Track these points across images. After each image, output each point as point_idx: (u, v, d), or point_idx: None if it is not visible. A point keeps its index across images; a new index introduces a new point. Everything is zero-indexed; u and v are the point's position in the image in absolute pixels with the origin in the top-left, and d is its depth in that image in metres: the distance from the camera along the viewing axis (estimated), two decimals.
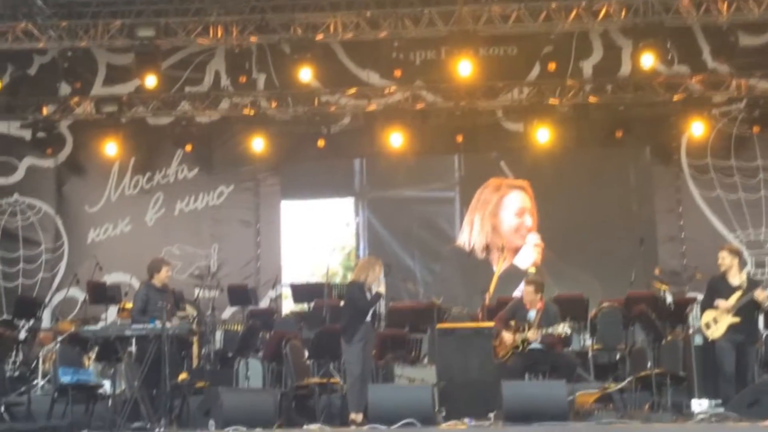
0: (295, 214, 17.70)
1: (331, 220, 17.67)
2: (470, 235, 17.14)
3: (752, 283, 10.86)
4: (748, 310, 10.71)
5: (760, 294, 10.60)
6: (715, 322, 10.68)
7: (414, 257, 17.23)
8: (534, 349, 11.22)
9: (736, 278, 10.85)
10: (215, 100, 17.18)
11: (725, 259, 10.91)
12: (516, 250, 16.76)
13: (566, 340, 11.63)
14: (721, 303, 10.67)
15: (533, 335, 11.06)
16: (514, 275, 16.13)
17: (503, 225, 17.10)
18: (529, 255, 16.79)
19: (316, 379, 11.83)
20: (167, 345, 10.00)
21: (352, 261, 17.15)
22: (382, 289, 11.03)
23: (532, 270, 16.36)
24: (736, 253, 11.10)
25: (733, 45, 15.50)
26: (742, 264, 11.54)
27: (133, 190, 17.64)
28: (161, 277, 11.16)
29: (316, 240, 17.15)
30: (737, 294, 10.65)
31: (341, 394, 11.34)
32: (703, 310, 11.03)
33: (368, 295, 10.88)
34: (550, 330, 11.05)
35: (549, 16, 14.90)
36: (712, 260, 14.32)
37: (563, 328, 11.06)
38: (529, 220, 16.99)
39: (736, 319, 10.58)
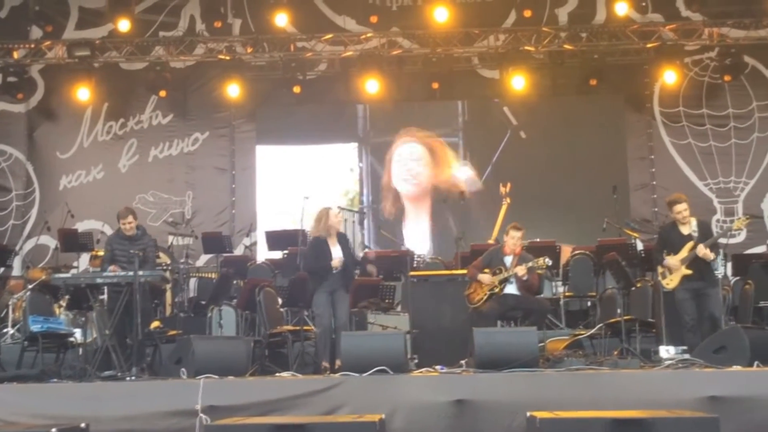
0: (271, 160, 17.61)
1: (333, 165, 17.53)
2: None
3: (703, 230, 10.75)
4: (700, 258, 10.59)
5: (701, 250, 10.46)
6: (669, 272, 10.63)
7: None
8: (509, 293, 11.33)
9: (686, 227, 10.73)
10: (190, 45, 17.01)
11: (687, 210, 10.74)
12: None
13: (540, 288, 11.72)
14: (669, 260, 10.61)
15: (509, 273, 11.18)
16: None
17: None
18: None
19: (289, 327, 11.90)
20: (139, 293, 9.99)
21: (356, 207, 17.04)
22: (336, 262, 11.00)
23: None
24: (687, 200, 10.95)
25: None
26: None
27: (106, 136, 17.53)
28: (124, 228, 11.14)
29: (293, 186, 16.98)
30: (689, 245, 10.57)
31: (314, 341, 11.41)
32: (656, 261, 10.99)
33: (332, 249, 10.93)
34: (530, 264, 11.17)
35: None
36: None
37: (544, 260, 11.23)
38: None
39: (689, 272, 10.52)
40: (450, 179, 17.04)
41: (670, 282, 10.64)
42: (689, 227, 10.74)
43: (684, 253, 10.59)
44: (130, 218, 11.17)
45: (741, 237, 15.86)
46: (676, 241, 10.71)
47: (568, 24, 16.66)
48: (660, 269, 10.77)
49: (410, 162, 17.23)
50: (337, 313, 10.92)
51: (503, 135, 17.11)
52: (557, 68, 16.69)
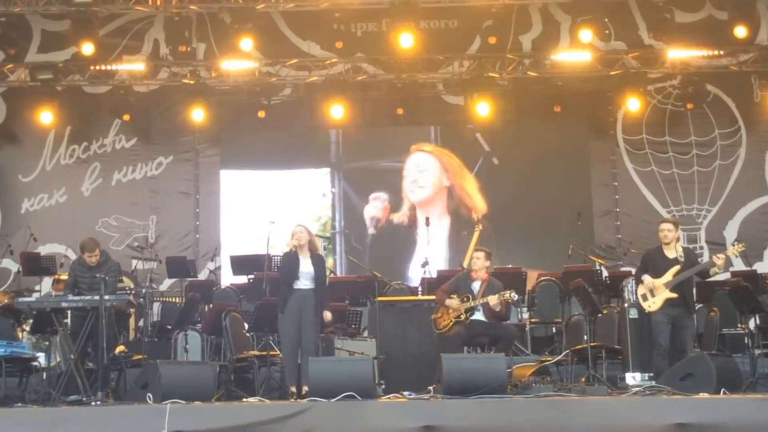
0: (236, 185, 17.51)
1: (304, 190, 17.44)
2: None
3: (689, 257, 10.83)
4: (685, 284, 10.69)
5: (718, 259, 10.52)
6: (652, 295, 10.61)
7: None
8: (475, 320, 11.31)
9: (672, 251, 10.73)
10: (154, 69, 16.94)
11: (671, 231, 10.76)
12: None
13: (506, 314, 11.72)
14: (650, 280, 10.62)
15: (477, 302, 11.17)
16: None
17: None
18: None
19: (255, 352, 11.83)
20: (104, 317, 9.89)
21: (328, 232, 17.03)
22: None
23: None
24: (678, 225, 11.08)
25: (669, 22, 15.81)
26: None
27: (69, 160, 17.38)
28: (89, 260, 11.03)
29: (260, 211, 16.85)
30: (675, 268, 10.58)
31: (281, 366, 11.34)
32: (638, 282, 10.97)
33: (301, 261, 10.85)
34: (497, 296, 11.16)
35: None
36: (645, 235, 14.77)
37: (510, 294, 11.19)
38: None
39: (674, 295, 10.53)
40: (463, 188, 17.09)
41: (652, 305, 10.62)
42: (675, 251, 10.75)
43: (668, 277, 10.59)
44: (97, 251, 11.03)
45: None
46: (661, 264, 10.71)
47: (532, 51, 16.80)
48: (641, 291, 10.74)
49: (416, 173, 17.25)
50: (303, 336, 10.82)
51: (476, 160, 17.17)
52: (521, 95, 16.83)
